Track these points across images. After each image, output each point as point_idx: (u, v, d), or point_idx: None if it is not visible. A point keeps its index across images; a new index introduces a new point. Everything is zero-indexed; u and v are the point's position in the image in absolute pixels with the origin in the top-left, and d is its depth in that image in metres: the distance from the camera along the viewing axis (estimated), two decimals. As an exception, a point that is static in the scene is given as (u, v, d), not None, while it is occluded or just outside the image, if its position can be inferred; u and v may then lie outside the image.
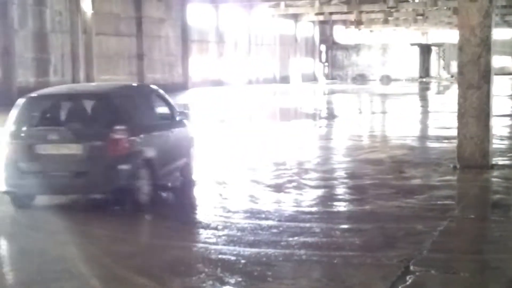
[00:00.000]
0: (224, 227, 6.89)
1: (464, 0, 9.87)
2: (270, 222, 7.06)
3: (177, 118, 9.04)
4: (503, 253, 5.92)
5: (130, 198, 7.54)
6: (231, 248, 6.13)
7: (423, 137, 15.47)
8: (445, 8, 43.20)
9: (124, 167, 7.36)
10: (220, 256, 5.90)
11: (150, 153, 7.85)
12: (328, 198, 8.43)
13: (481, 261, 5.80)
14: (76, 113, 7.90)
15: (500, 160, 10.66)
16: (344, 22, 54.79)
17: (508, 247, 6.13)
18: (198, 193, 9.06)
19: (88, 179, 7.34)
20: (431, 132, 16.39)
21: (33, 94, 8.19)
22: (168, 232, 6.84)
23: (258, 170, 10.60)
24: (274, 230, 6.73)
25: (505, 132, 15.23)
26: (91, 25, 26.47)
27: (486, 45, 9.78)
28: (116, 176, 7.35)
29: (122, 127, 7.42)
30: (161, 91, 9.25)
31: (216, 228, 6.85)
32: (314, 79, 51.29)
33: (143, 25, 32.59)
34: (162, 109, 8.96)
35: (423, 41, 58.64)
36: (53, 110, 7.98)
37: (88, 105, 8.01)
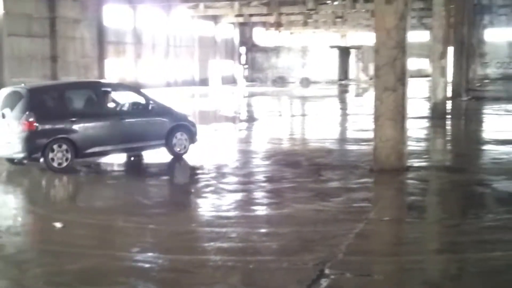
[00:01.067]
0: (139, 234, 6.80)
1: (380, 2, 10.11)
2: (186, 228, 7.02)
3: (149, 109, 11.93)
4: (417, 254, 6.11)
5: (46, 163, 10.65)
6: (146, 255, 6.06)
7: (342, 139, 15.79)
8: (363, 10, 44.35)
9: (28, 141, 10.55)
10: (133, 264, 5.82)
11: (66, 134, 10.80)
12: (246, 202, 8.47)
13: (396, 263, 5.96)
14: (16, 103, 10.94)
15: (415, 162, 11.00)
16: (264, 24, 55.32)
17: (423, 249, 6.34)
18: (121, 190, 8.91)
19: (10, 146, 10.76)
20: (350, 134, 16.74)
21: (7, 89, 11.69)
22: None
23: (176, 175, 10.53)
24: (190, 236, 6.70)
25: (422, 134, 15.74)
26: (2, 26, 25.62)
27: (401, 48, 10.05)
28: (24, 147, 10.61)
29: (31, 114, 10.56)
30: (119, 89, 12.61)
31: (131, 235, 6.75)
32: (233, 81, 51.50)
33: (57, 26, 31.74)
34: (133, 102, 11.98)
35: (343, 43, 59.91)
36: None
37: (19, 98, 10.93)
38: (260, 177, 10.29)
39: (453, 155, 13.24)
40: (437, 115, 19.15)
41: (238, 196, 8.83)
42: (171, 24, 43.09)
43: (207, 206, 8.22)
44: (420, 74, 50.36)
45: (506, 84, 43.29)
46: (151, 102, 12.06)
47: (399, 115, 10.04)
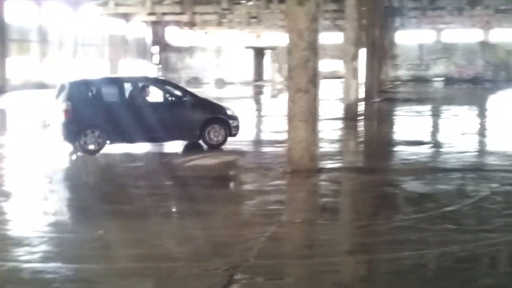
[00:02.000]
0: (41, 242, 6.59)
1: (292, 4, 10.25)
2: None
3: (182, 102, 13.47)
4: (329, 256, 6.21)
5: (80, 147, 12.50)
6: (47, 265, 5.88)
7: (256, 141, 15.91)
8: (278, 11, 44.84)
9: (64, 127, 12.48)
10: (35, 275, 5.64)
11: (97, 122, 12.60)
12: (156, 207, 8.35)
13: (307, 266, 6.04)
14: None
15: (328, 163, 11.23)
16: (178, 23, 54.99)
17: (334, 251, 6.45)
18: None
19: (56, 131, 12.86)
20: (264, 136, 16.89)
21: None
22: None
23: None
24: (97, 244, 6.56)
25: (335, 135, 16.07)
26: None
27: (313, 49, 10.23)
28: (63, 132, 12.58)
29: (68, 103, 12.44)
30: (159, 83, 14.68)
31: (30, 244, 6.52)
32: (147, 82, 50.90)
33: (-50, 22, 30.49)
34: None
35: (258, 44, 60.38)
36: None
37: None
38: (171, 181, 10.21)
39: (365, 156, 13.60)
40: (349, 116, 19.59)
41: (149, 201, 8.71)
42: (79, 22, 42.15)
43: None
44: (334, 75, 51.46)
45: (416, 85, 44.90)
46: (187, 95, 13.56)
47: (311, 117, 10.22)
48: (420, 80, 51.42)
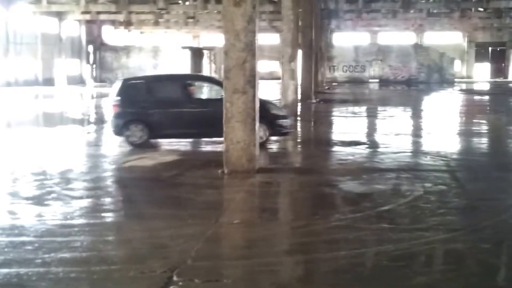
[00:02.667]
0: (-31, 248, 6.38)
1: (229, 5, 10.25)
2: (24, 238, 6.69)
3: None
4: (267, 257, 6.23)
5: (126, 139, 13.78)
6: (-23, 271, 5.70)
7: (195, 141, 15.81)
8: (215, 12, 44.84)
9: (113, 120, 13.96)
10: (-38, 281, 5.45)
11: (140, 117, 13.61)
12: (92, 209, 8.23)
13: (246, 266, 6.04)
14: None
15: (267, 164, 11.29)
16: (113, 23, 54.26)
17: (272, 251, 6.47)
18: None
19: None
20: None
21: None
22: None
23: (15, 181, 10.02)
24: (29, 247, 6.39)
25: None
26: None
27: (250, 50, 10.25)
28: (112, 125, 14.13)
29: (117, 98, 13.71)
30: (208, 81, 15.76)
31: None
32: (81, 81, 50.03)
33: None
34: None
35: (195, 44, 60.18)
36: None
37: None
38: (108, 182, 10.07)
39: (303, 156, 13.72)
40: (287, 117, 19.70)
41: (84, 202, 8.56)
42: (11, 20, 41.03)
43: (49, 215, 7.87)
44: (271, 76, 51.81)
45: (352, 87, 45.64)
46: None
47: (249, 118, 10.24)
48: (356, 82, 52.29)
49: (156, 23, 51.48)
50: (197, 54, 52.66)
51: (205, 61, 53.21)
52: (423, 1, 46.24)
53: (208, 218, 7.52)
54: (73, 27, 50.41)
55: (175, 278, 5.43)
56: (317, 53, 33.24)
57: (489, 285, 5.53)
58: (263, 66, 51.34)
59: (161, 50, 51.17)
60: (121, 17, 47.81)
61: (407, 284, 5.54)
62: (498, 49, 59.52)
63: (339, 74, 54.95)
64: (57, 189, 9.35)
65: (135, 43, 54.87)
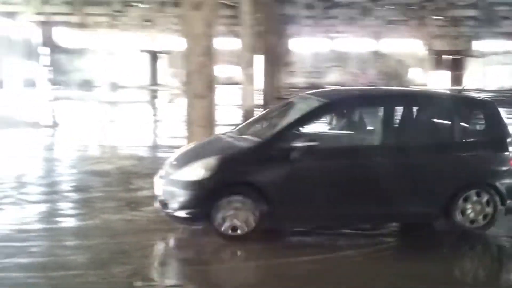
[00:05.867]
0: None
1: (188, 8, 10.31)
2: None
3: None
4: (228, 262, 6.34)
5: None
6: None
7: (153, 146, 15.84)
8: (172, 15, 44.75)
9: None
10: None
11: None
12: (50, 214, 8.22)
13: (206, 272, 6.13)
14: None
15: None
16: (68, 24, 53.68)
17: (232, 257, 6.57)
18: None
19: None
20: (161, 141, 16.83)
21: None
22: None
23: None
24: (-15, 253, 6.37)
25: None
26: None
27: (209, 55, 10.33)
28: None
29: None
30: None
31: None
32: (34, 84, 49.32)
33: None
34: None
35: (152, 47, 59.93)
36: None
37: None
38: (65, 186, 10.03)
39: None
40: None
41: (42, 207, 8.53)
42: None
43: (4, 220, 7.83)
44: (230, 81, 51.92)
45: (311, 93, 45.99)
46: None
47: (209, 122, 10.33)
48: (315, 87, 52.69)
49: (112, 26, 51.06)
50: (154, 57, 52.50)
51: (163, 64, 53.04)
52: (382, 9, 47.00)
53: (169, 224, 7.52)
54: (26, 28, 49.71)
55: (136, 284, 5.49)
56: (277, 59, 33.51)
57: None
58: (222, 70, 51.46)
59: (117, 52, 50.87)
60: (75, 19, 47.33)
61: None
62: (457, 57, 60.88)
63: (299, 80, 55.43)
64: (12, 193, 9.28)
65: (90, 45, 54.38)
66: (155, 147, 15.67)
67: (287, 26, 47.95)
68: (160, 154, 14.14)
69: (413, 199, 7.11)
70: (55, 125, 20.63)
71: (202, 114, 10.28)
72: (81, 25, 50.27)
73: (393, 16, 48.78)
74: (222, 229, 6.77)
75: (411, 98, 8.25)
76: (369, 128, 8.03)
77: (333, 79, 55.57)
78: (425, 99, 8.18)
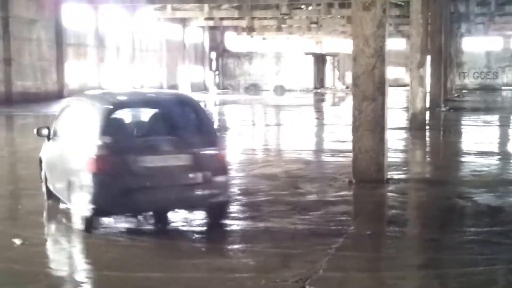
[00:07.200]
0: None
1: (358, 9, 10.22)
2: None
3: None
4: (398, 270, 6.20)
5: None
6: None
7: (319, 150, 15.89)
8: (339, 16, 44.75)
9: None
10: None
11: None
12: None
13: (377, 279, 6.04)
14: None
15: (395, 174, 11.14)
16: (236, 29, 55.44)
17: (404, 264, 6.43)
18: None
19: None
20: (327, 145, 16.87)
21: None
22: None
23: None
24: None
25: (401, 145, 15.93)
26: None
27: (380, 56, 10.17)
28: None
29: None
30: None
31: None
32: (204, 88, 51.45)
33: (10, 26, 31.41)
34: None
35: (318, 50, 60.32)
36: None
37: None
38: (234, 189, 10.30)
39: (433, 167, 13.41)
40: (416, 126, 19.36)
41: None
42: (137, 27, 42.93)
43: (179, 221, 8.19)
44: (397, 83, 50.99)
45: (484, 94, 44.05)
46: None
47: (379, 126, 10.16)
48: (488, 89, 50.43)
49: (279, 29, 52.02)
50: (320, 60, 52.72)
51: (328, 67, 53.16)
52: None
53: (338, 229, 7.54)
54: (196, 33, 51.97)
55: (307, 288, 5.53)
56: (447, 59, 32.41)
57: None
58: (389, 72, 50.68)
59: (283, 56, 51.70)
60: (243, 23, 48.73)
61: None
62: None
63: (470, 81, 53.30)
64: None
65: (257, 49, 55.78)
66: (321, 151, 15.72)
67: (458, 24, 46.23)
68: (325, 159, 14.17)
69: None
70: (224, 129, 21.29)
71: (370, 117, 10.15)
72: (249, 29, 51.75)
73: None
74: None
75: None
76: None
77: (507, 79, 52.71)
78: None
